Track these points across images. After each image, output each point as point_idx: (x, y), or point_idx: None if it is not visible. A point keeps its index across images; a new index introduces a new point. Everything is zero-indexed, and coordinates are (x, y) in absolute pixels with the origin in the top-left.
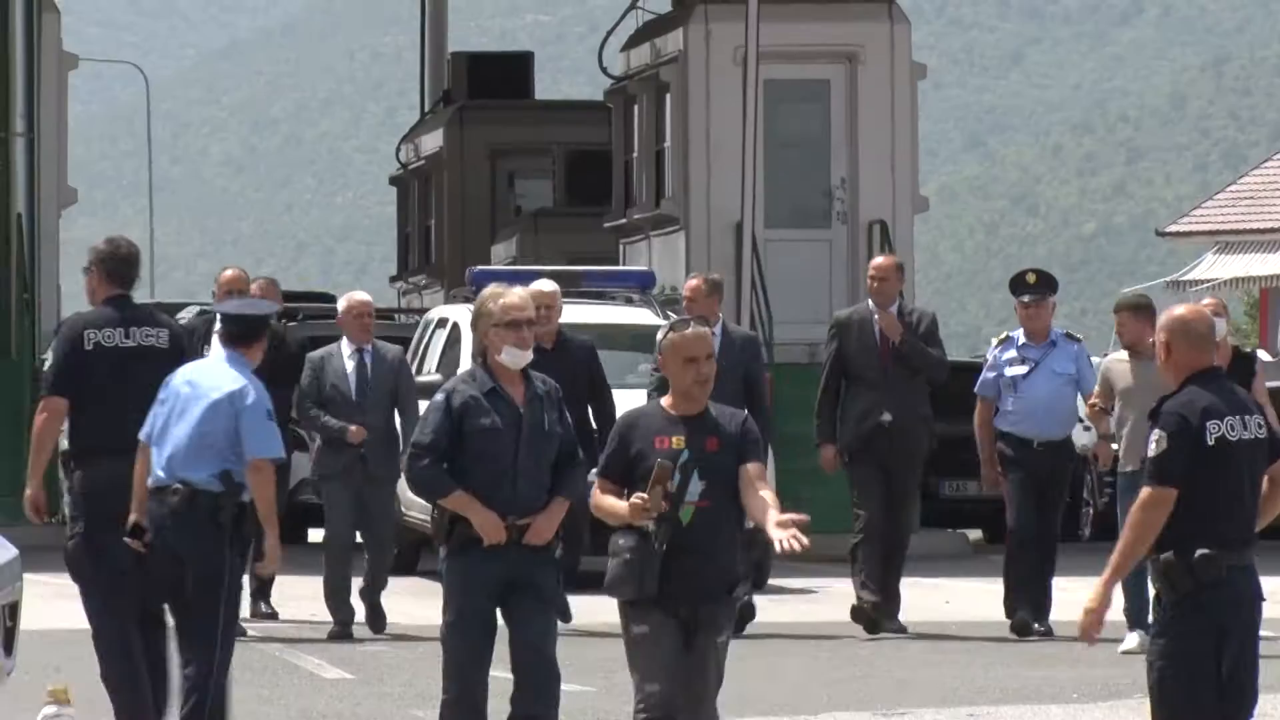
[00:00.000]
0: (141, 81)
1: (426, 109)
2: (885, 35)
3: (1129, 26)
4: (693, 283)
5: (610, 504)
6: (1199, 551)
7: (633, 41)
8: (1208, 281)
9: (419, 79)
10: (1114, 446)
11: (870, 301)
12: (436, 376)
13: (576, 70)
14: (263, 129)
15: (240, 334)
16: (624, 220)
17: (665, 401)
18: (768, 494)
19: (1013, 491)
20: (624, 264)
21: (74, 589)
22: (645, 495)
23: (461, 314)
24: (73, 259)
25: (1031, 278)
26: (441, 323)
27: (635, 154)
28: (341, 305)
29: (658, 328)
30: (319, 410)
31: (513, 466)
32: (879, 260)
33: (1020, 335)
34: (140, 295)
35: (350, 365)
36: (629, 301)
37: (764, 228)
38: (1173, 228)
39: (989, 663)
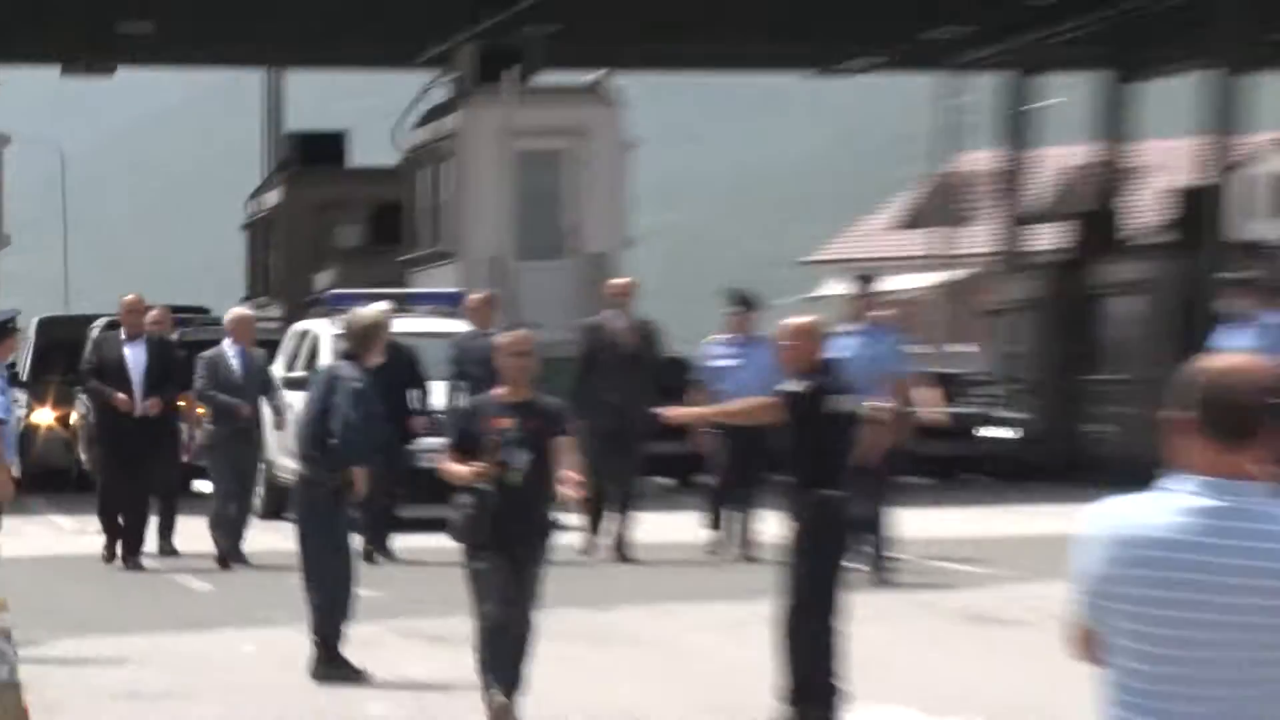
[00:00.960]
0: (58, 154)
1: (267, 174)
2: (605, 118)
3: (780, 112)
4: (475, 297)
5: (457, 469)
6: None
7: (419, 123)
8: (832, 298)
9: (262, 152)
10: None
11: (609, 311)
12: (304, 373)
13: (381, 144)
14: (150, 192)
15: None
16: (412, 255)
17: (500, 390)
18: (569, 461)
19: (720, 449)
20: (409, 286)
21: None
22: (483, 465)
23: (321, 326)
24: (6, 287)
25: (737, 295)
26: (304, 333)
27: (421, 206)
28: (231, 317)
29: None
30: (215, 392)
31: None
32: (619, 281)
33: (731, 337)
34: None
35: (235, 362)
36: (445, 315)
37: (515, 259)
38: (810, 258)
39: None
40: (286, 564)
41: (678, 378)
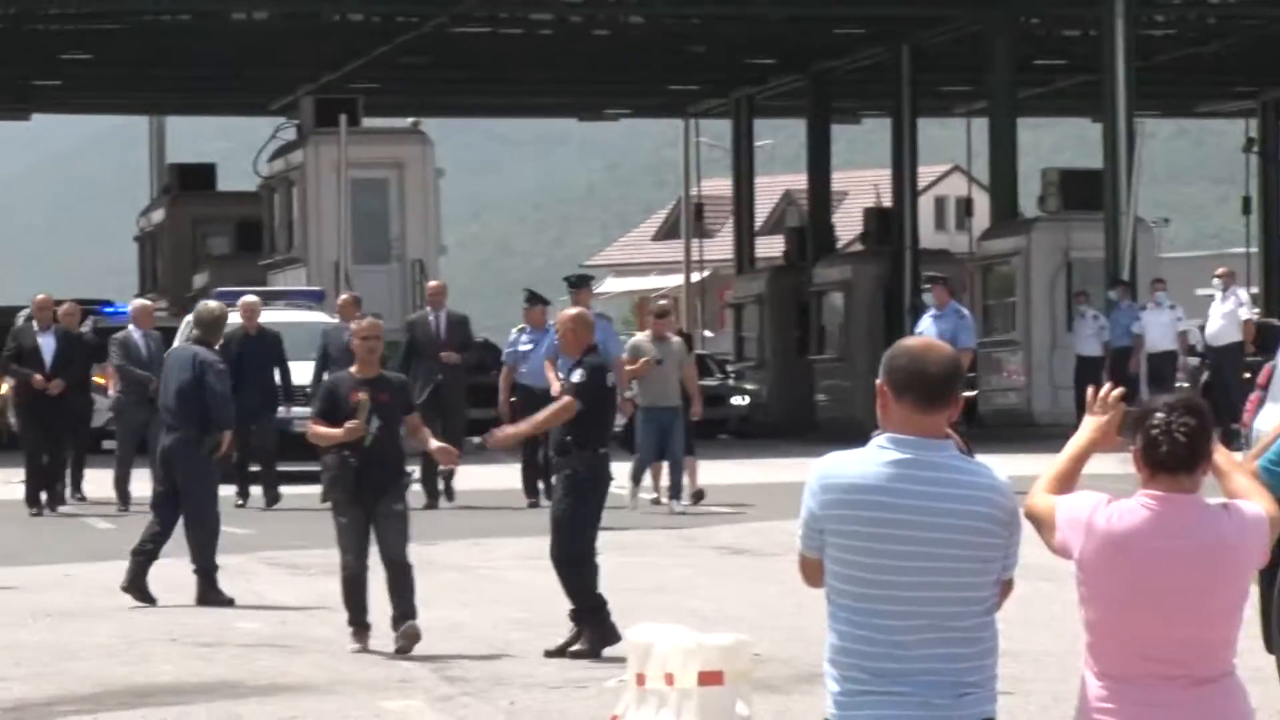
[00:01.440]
0: None
1: (155, 196)
2: (419, 153)
3: (561, 146)
4: (343, 298)
5: (326, 431)
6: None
7: (273, 157)
8: (608, 293)
9: (150, 179)
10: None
11: (429, 307)
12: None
13: (241, 173)
14: (60, 211)
15: None
16: (270, 260)
17: (354, 369)
18: (425, 431)
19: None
20: (268, 285)
21: None
22: (353, 424)
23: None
24: None
25: (531, 293)
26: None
27: (277, 222)
28: (135, 306)
29: (323, 324)
30: (129, 366)
31: None
32: (435, 283)
33: (529, 327)
34: None
35: (141, 343)
36: (309, 309)
37: (351, 263)
38: (589, 262)
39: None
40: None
41: (487, 358)
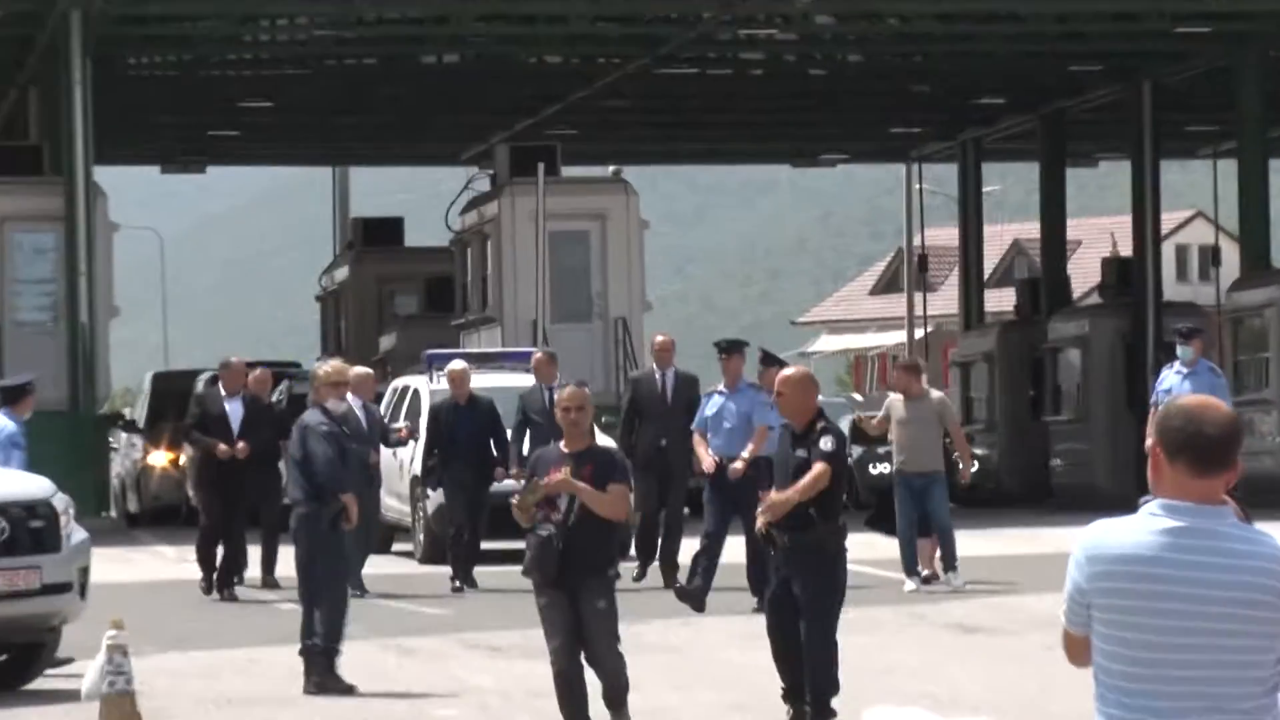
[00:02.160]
0: (157, 239)
1: (337, 253)
2: (623, 204)
3: (768, 195)
4: (538, 356)
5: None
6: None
7: (466, 209)
8: (822, 352)
9: (332, 234)
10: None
11: (654, 365)
12: (406, 423)
13: (430, 227)
14: (236, 269)
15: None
16: (463, 320)
17: (562, 443)
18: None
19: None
20: (462, 347)
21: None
22: (517, 499)
23: (420, 382)
24: (116, 352)
25: (763, 354)
26: (405, 388)
27: (469, 278)
28: (355, 374)
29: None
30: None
31: None
32: (662, 338)
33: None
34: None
35: (360, 414)
36: (527, 371)
37: (550, 322)
38: (801, 319)
39: None
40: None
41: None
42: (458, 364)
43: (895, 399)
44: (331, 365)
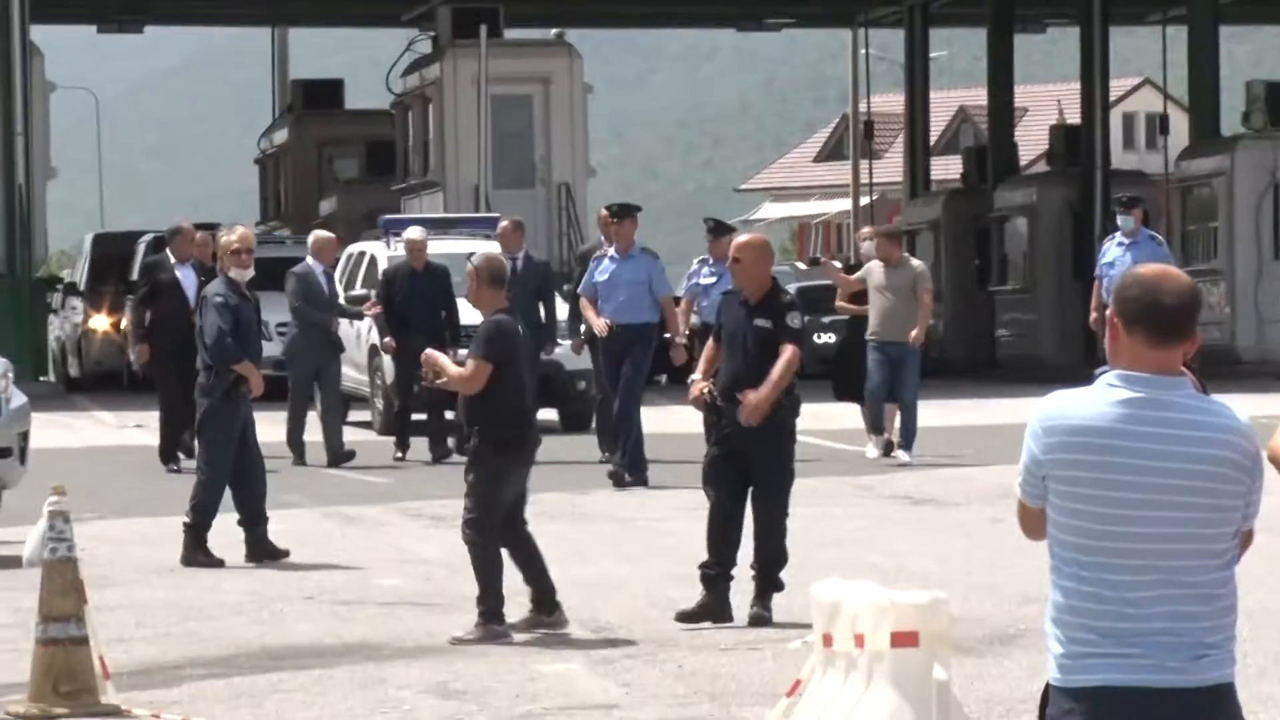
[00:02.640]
0: (93, 100)
1: (276, 116)
2: (566, 67)
3: (711, 60)
4: (504, 224)
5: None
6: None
7: (407, 72)
8: (765, 219)
9: (271, 97)
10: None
11: (601, 237)
12: (362, 290)
13: (370, 90)
14: (173, 132)
15: None
16: (404, 184)
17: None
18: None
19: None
20: (403, 212)
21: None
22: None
23: (376, 247)
24: (51, 213)
25: (714, 223)
26: (361, 253)
27: (410, 142)
28: (317, 238)
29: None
30: (305, 306)
31: None
32: (602, 211)
33: (711, 259)
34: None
35: (323, 280)
36: (486, 238)
37: (492, 188)
38: (744, 186)
39: None
40: (302, 456)
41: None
42: (416, 231)
43: (874, 265)
44: (237, 233)
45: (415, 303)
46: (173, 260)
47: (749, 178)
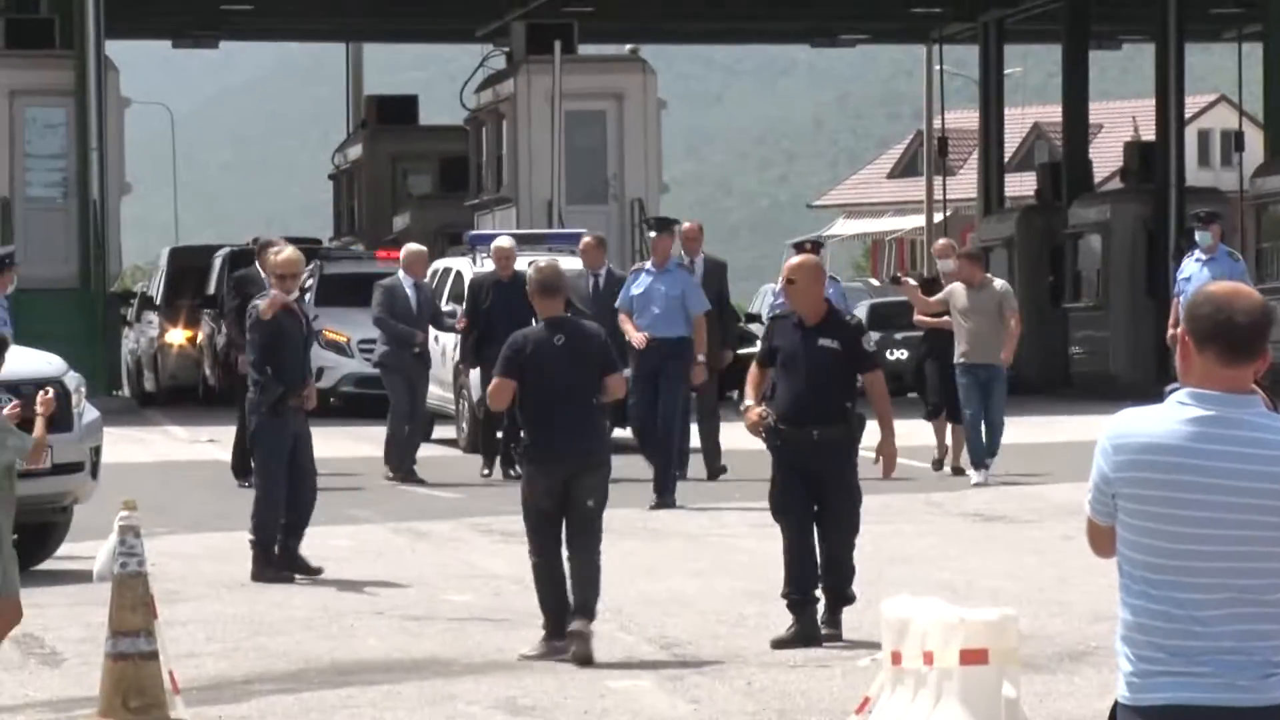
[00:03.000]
0: (168, 115)
1: (350, 131)
2: (640, 83)
3: (786, 76)
4: (586, 239)
5: None
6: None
7: (481, 87)
8: (839, 236)
9: (345, 112)
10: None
11: (683, 254)
12: (449, 307)
13: (444, 105)
14: (247, 147)
15: None
16: (477, 200)
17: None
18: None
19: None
20: (476, 228)
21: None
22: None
23: (462, 263)
24: (126, 228)
25: (809, 246)
26: (447, 270)
27: (484, 158)
28: (408, 251)
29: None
30: (391, 319)
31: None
32: (687, 224)
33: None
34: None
35: (410, 292)
36: (570, 254)
37: (565, 204)
38: (817, 202)
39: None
40: (369, 469)
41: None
42: (504, 240)
43: (957, 288)
44: (283, 256)
45: (501, 312)
46: (264, 275)
47: (823, 194)
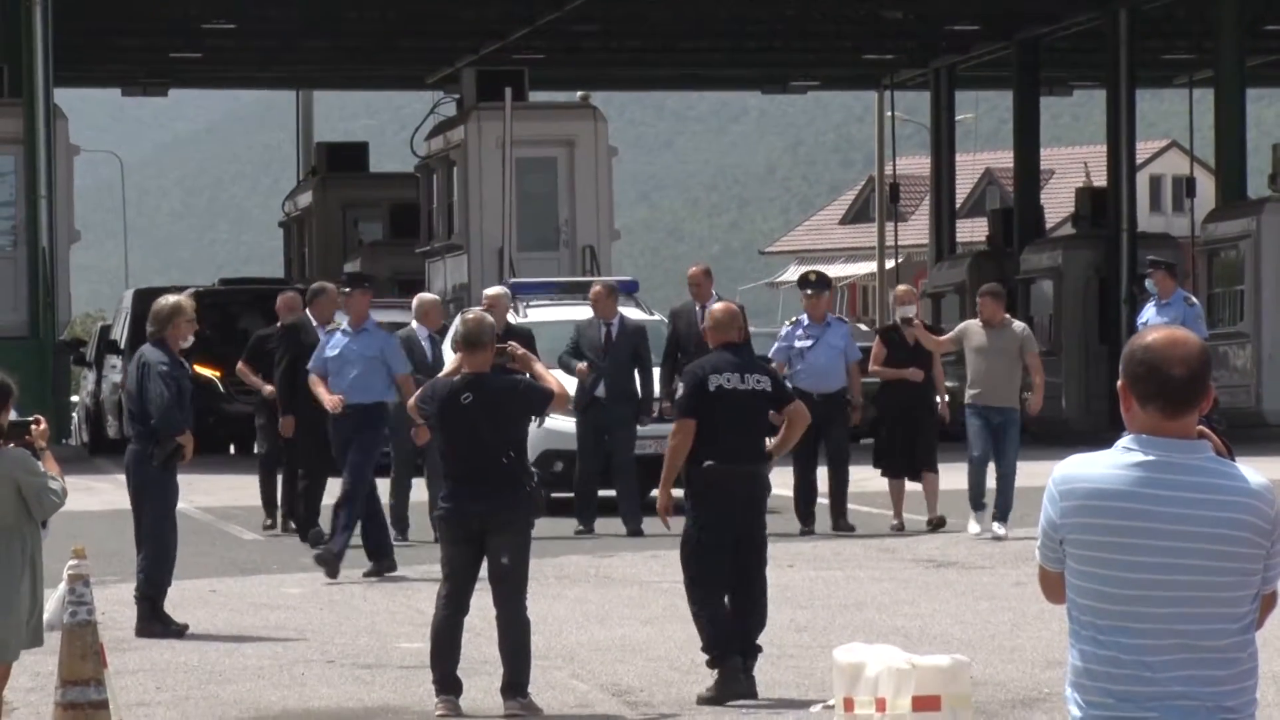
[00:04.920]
0: (117, 162)
1: (301, 178)
2: (591, 130)
3: (738, 122)
4: (596, 288)
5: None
6: (705, 462)
7: (431, 134)
8: (790, 283)
9: (296, 159)
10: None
11: (691, 298)
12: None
13: (394, 152)
14: (197, 194)
15: None
16: (428, 247)
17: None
18: None
19: None
20: (427, 276)
21: (84, 485)
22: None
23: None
24: (76, 276)
25: (813, 276)
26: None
27: (434, 205)
28: (421, 302)
29: (643, 320)
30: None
31: None
32: (693, 269)
33: (805, 318)
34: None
35: (427, 345)
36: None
37: (516, 250)
38: (769, 248)
39: None
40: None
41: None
42: (496, 289)
43: (973, 325)
44: (182, 302)
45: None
46: (314, 323)
47: (775, 240)
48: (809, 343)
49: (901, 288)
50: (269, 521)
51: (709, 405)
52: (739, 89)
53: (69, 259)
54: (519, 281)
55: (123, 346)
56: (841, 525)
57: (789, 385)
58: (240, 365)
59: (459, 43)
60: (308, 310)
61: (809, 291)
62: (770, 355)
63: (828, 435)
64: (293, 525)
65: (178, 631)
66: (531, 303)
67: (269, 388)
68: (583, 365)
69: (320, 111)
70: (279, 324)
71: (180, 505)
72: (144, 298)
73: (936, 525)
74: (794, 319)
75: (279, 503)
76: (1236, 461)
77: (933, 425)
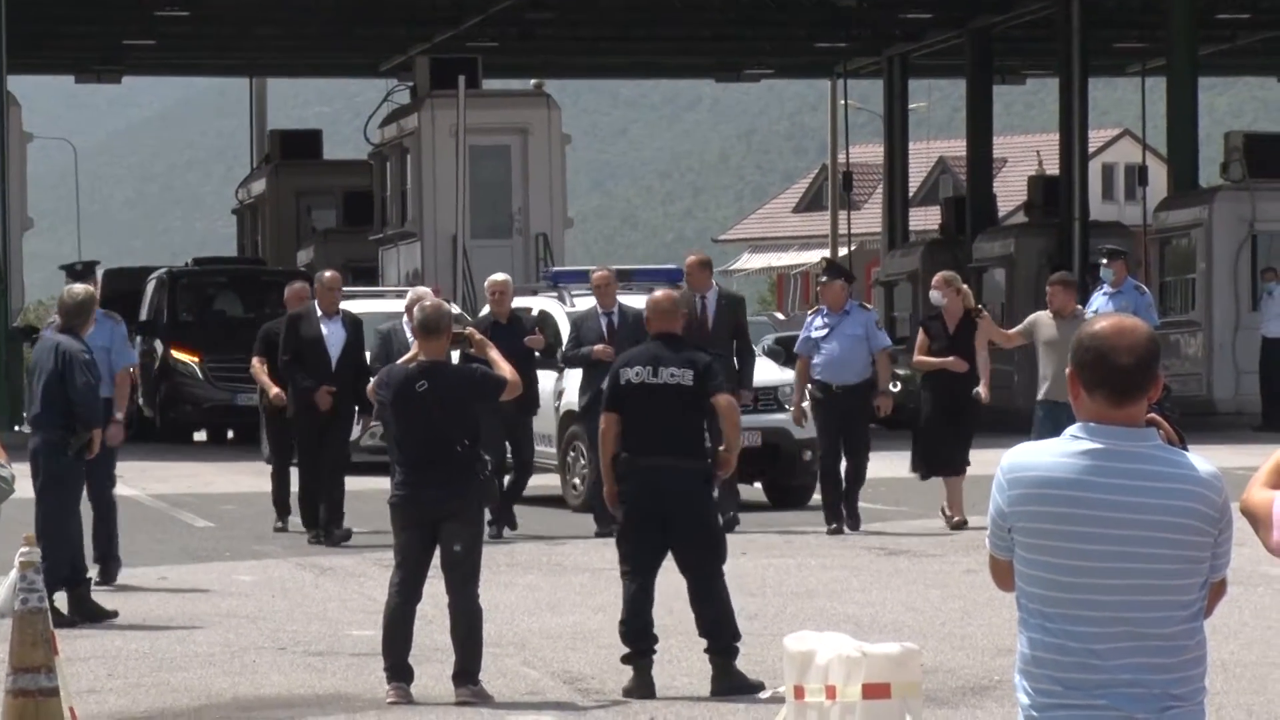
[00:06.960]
0: (71, 149)
1: (255, 165)
2: (544, 118)
3: (691, 110)
4: (600, 273)
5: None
6: (622, 454)
7: (385, 122)
8: (745, 271)
9: (249, 146)
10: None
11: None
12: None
13: (348, 140)
14: (153, 180)
15: None
16: (381, 235)
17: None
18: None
19: (820, 424)
20: (381, 263)
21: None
22: None
23: (550, 304)
24: (29, 264)
25: (824, 263)
26: (528, 309)
27: (388, 193)
28: (414, 296)
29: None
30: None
31: None
32: (690, 259)
33: (825, 307)
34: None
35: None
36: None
37: (469, 238)
38: (723, 236)
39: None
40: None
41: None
42: (499, 276)
43: (1043, 316)
44: (79, 292)
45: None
46: (319, 313)
47: (728, 228)
48: (825, 332)
49: (940, 275)
50: (279, 524)
51: (621, 399)
52: (692, 77)
53: (22, 246)
54: (561, 270)
55: None
56: (852, 522)
57: (718, 376)
58: (254, 363)
59: (413, 30)
60: (314, 302)
61: (823, 279)
62: (795, 349)
63: (848, 430)
64: (319, 533)
65: (110, 615)
66: (575, 291)
67: (276, 390)
68: (600, 347)
69: (274, 99)
70: (286, 314)
71: (132, 492)
72: (113, 279)
73: (958, 526)
74: (815, 307)
75: (289, 506)
76: (1188, 450)
77: (973, 421)
